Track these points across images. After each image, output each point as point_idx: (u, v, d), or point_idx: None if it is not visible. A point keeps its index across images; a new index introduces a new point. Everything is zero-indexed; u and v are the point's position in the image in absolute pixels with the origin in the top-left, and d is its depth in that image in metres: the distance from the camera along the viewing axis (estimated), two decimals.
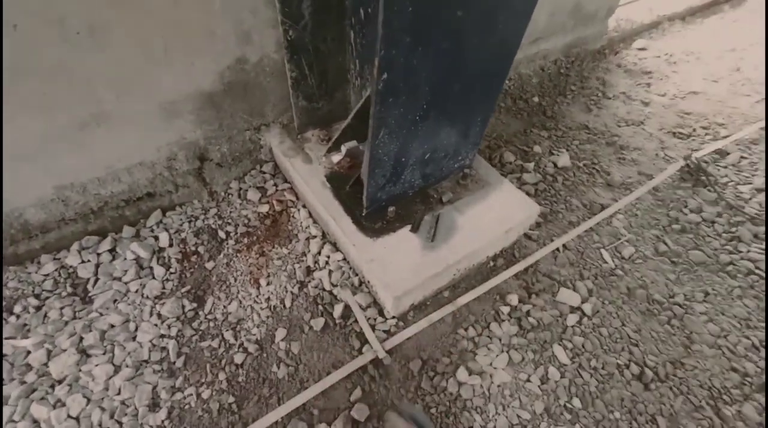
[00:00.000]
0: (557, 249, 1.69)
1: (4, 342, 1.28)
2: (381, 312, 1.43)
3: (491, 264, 1.61)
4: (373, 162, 1.17)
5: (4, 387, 1.20)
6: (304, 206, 1.69)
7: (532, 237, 1.72)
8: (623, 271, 1.64)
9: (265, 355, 1.33)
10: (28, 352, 1.28)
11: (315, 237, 1.62)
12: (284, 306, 1.44)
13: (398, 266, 1.31)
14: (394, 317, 1.42)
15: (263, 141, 1.73)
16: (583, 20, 2.54)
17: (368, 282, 1.41)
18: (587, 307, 1.51)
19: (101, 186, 1.47)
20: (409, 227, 1.40)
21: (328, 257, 1.55)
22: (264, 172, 1.81)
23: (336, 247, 1.55)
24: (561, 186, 1.94)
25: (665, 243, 1.74)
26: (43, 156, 1.29)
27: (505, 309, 1.47)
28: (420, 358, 1.34)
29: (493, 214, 1.47)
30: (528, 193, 1.89)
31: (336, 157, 1.57)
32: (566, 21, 2.46)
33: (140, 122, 1.39)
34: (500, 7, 0.98)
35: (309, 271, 1.53)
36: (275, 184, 1.78)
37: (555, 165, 2.04)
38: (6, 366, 1.24)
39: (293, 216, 1.70)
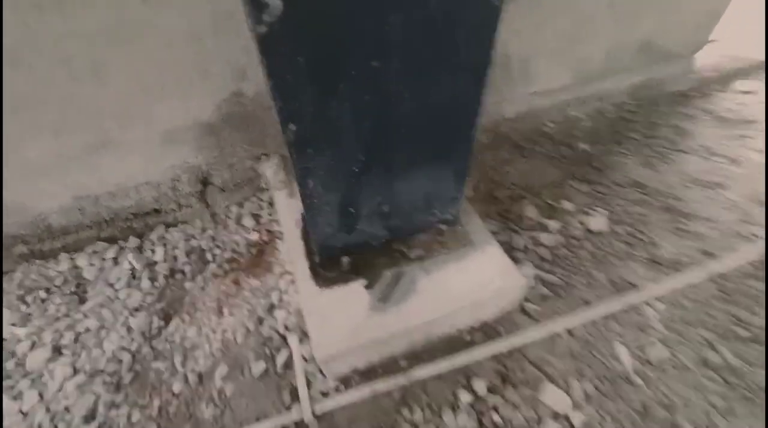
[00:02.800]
0: (558, 333, 1.39)
1: (8, 327, 1.48)
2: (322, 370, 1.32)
3: (467, 337, 1.39)
4: (311, 210, 1.10)
5: None
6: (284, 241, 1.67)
7: (530, 313, 1.45)
8: (643, 380, 1.28)
9: (201, 390, 1.32)
10: (20, 340, 1.45)
11: (290, 273, 1.58)
12: (236, 341, 1.42)
13: (337, 324, 1.20)
14: (333, 378, 1.29)
15: (261, 170, 1.78)
16: (656, 58, 2.15)
17: (308, 334, 1.32)
18: (577, 418, 1.20)
19: (112, 200, 1.64)
20: (365, 281, 1.28)
21: (291, 297, 1.49)
22: (262, 200, 1.85)
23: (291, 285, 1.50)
24: (587, 254, 1.62)
25: (719, 353, 1.32)
26: (61, 171, 1.48)
27: (467, 398, 1.25)
28: None
29: (464, 281, 1.27)
30: (542, 258, 1.61)
31: None
32: (632, 59, 2.10)
33: (143, 148, 1.53)
34: (438, 59, 0.85)
35: (271, 308, 1.49)
36: (270, 214, 1.81)
37: (586, 227, 1.72)
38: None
39: (278, 249, 1.69)
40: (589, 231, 1.71)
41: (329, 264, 1.32)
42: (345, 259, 1.29)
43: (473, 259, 1.33)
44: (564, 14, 1.73)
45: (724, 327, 1.38)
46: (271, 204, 1.83)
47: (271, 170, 1.73)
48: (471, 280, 1.27)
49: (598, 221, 1.71)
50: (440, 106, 0.95)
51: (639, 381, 1.28)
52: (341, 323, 1.20)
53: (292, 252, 1.42)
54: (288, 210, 1.56)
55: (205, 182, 1.75)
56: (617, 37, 1.93)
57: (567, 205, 1.80)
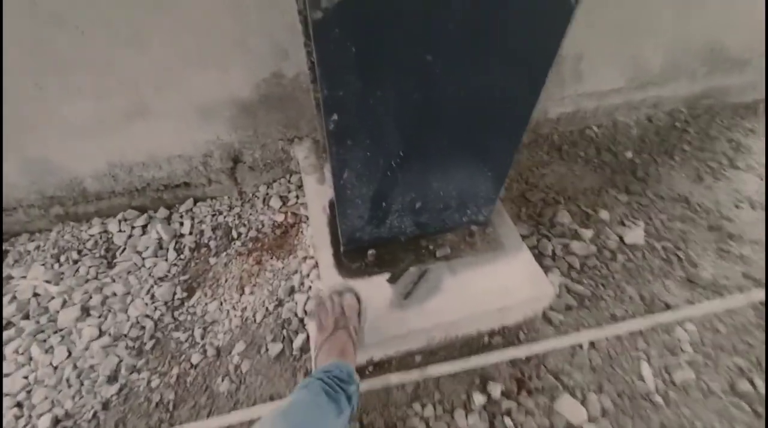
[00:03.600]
0: (580, 344, 1.35)
1: (43, 283, 1.54)
2: None
3: (486, 339, 1.36)
4: (343, 202, 1.08)
5: (22, 321, 1.43)
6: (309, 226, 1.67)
7: (553, 321, 1.41)
8: (665, 401, 1.23)
9: (218, 364, 1.34)
10: (53, 297, 1.51)
11: (312, 258, 1.58)
12: (255, 320, 1.44)
13: None
14: None
15: (293, 153, 1.76)
16: (722, 66, 2.00)
17: None
18: None
19: (144, 169, 1.66)
20: (388, 275, 1.27)
21: (313, 282, 1.50)
22: (291, 183, 1.84)
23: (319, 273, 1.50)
24: (619, 267, 1.56)
25: (751, 383, 1.26)
26: (98, 135, 1.50)
27: (480, 399, 1.23)
28: (359, 422, 1.20)
29: (491, 285, 1.24)
30: (570, 267, 1.56)
31: None
32: (695, 65, 1.96)
33: (178, 119, 1.53)
34: (496, 55, 0.80)
35: (291, 291, 1.50)
36: (297, 197, 1.80)
37: (621, 239, 1.64)
38: (33, 303, 1.49)
39: (302, 232, 1.69)
40: (624, 243, 1.63)
41: (354, 256, 1.30)
42: (371, 252, 1.27)
43: (502, 264, 1.29)
44: (626, 9, 1.61)
45: (759, 356, 1.31)
46: (299, 187, 1.82)
47: (302, 153, 1.71)
48: (498, 286, 1.24)
49: (634, 234, 1.64)
50: (492, 104, 0.90)
51: (660, 401, 1.23)
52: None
53: (317, 238, 1.41)
54: (316, 195, 1.54)
55: (236, 160, 1.75)
56: (681, 38, 1.80)
57: (603, 215, 1.73)
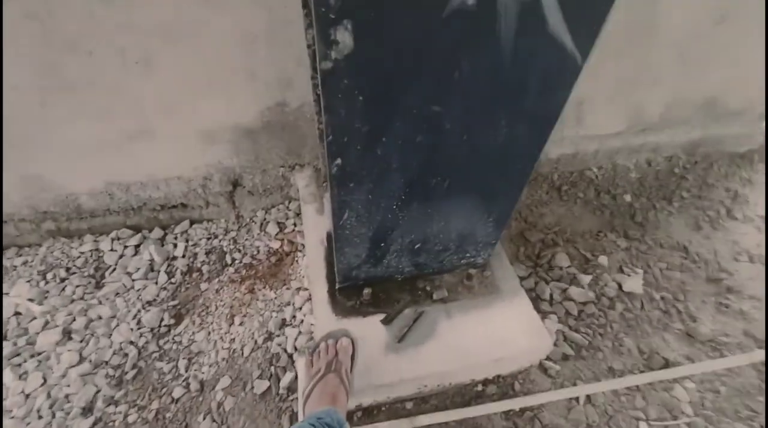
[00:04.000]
0: (576, 398, 1.31)
1: (26, 302, 1.49)
2: None
3: (479, 388, 1.32)
4: (341, 241, 1.06)
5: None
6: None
7: (549, 372, 1.37)
8: None
9: (200, 399, 1.29)
10: (34, 318, 1.46)
11: (306, 290, 1.54)
12: (242, 353, 1.39)
13: None
14: None
15: (293, 180, 1.75)
16: (719, 115, 2.03)
17: None
18: None
19: (142, 189, 1.64)
20: (382, 316, 1.23)
21: (305, 316, 1.46)
22: (289, 209, 1.82)
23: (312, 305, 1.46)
24: (617, 316, 1.53)
25: None
26: (98, 155, 1.48)
27: None
28: None
29: (488, 333, 1.21)
30: (568, 313, 1.53)
31: None
32: (693, 113, 1.99)
33: (181, 142, 1.52)
34: (501, 108, 0.80)
35: (282, 325, 1.46)
36: (294, 224, 1.78)
37: (620, 286, 1.62)
38: (13, 323, 1.43)
39: (297, 262, 1.66)
40: (622, 291, 1.61)
41: (349, 293, 1.27)
42: (366, 291, 1.24)
43: (499, 310, 1.26)
44: (628, 59, 1.64)
45: (762, 423, 1.27)
46: (297, 214, 1.80)
47: (303, 181, 1.70)
48: (495, 334, 1.20)
49: (633, 282, 1.62)
50: (496, 152, 0.89)
51: None
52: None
53: (312, 271, 1.39)
54: (314, 226, 1.52)
55: (235, 184, 1.73)
56: (681, 88, 1.83)
57: (602, 260, 1.71)
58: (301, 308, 1.49)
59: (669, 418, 1.27)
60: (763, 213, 1.92)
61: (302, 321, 1.45)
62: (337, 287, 1.27)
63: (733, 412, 1.28)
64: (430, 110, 0.76)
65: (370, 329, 1.20)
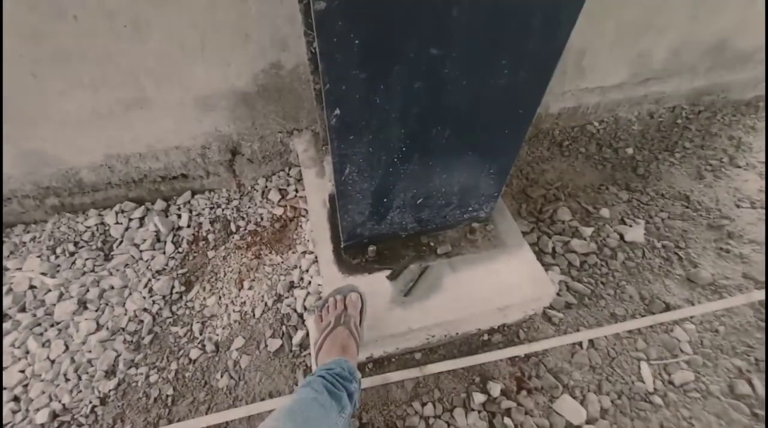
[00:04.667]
0: (579, 343, 1.35)
1: (39, 276, 1.52)
2: None
3: (485, 337, 1.36)
4: (344, 198, 1.06)
5: (18, 314, 1.42)
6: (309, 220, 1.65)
7: (553, 320, 1.41)
8: (664, 401, 1.24)
9: (216, 359, 1.34)
10: (49, 290, 1.49)
11: (311, 253, 1.57)
12: (254, 315, 1.43)
13: None
14: None
15: (292, 145, 1.74)
16: (727, 63, 1.98)
17: None
18: None
19: (141, 161, 1.63)
20: (388, 272, 1.26)
21: (312, 278, 1.49)
22: (290, 176, 1.82)
23: (319, 268, 1.48)
24: (619, 265, 1.55)
25: (751, 385, 1.26)
26: (95, 127, 1.47)
27: (480, 398, 1.23)
28: (359, 419, 1.20)
29: (492, 283, 1.23)
30: (570, 264, 1.55)
31: None
32: (698, 61, 1.94)
33: (177, 111, 1.50)
34: (502, 49, 0.78)
35: (291, 287, 1.49)
36: (296, 190, 1.78)
37: (621, 237, 1.64)
38: (29, 296, 1.47)
39: (301, 227, 1.68)
40: (624, 241, 1.63)
41: (354, 251, 1.29)
42: (371, 248, 1.26)
43: (503, 262, 1.28)
44: (636, 6, 1.58)
45: (758, 357, 1.31)
46: (298, 180, 1.80)
47: (302, 146, 1.69)
48: (499, 284, 1.23)
49: (635, 232, 1.63)
50: (497, 98, 0.88)
51: (659, 401, 1.24)
52: None
53: (316, 233, 1.40)
54: (316, 190, 1.53)
55: (234, 152, 1.72)
56: (689, 32, 1.77)
57: (604, 212, 1.72)
58: (307, 270, 1.52)
59: (669, 357, 1.32)
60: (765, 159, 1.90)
61: (310, 283, 1.48)
62: (342, 246, 1.29)
63: (731, 348, 1.33)
64: (428, 53, 0.74)
65: (376, 285, 1.23)
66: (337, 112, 0.81)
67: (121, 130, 1.51)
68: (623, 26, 1.68)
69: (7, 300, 1.44)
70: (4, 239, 1.64)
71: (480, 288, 1.23)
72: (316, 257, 1.54)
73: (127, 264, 1.58)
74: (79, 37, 1.23)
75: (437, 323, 1.19)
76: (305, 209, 1.71)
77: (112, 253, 1.62)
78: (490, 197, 1.24)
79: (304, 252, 1.58)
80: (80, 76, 1.32)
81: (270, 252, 1.60)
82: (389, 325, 1.17)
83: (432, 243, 1.31)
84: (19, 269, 1.54)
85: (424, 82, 0.80)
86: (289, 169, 1.83)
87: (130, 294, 1.48)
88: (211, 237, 1.66)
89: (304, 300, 1.43)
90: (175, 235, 1.66)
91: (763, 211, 1.69)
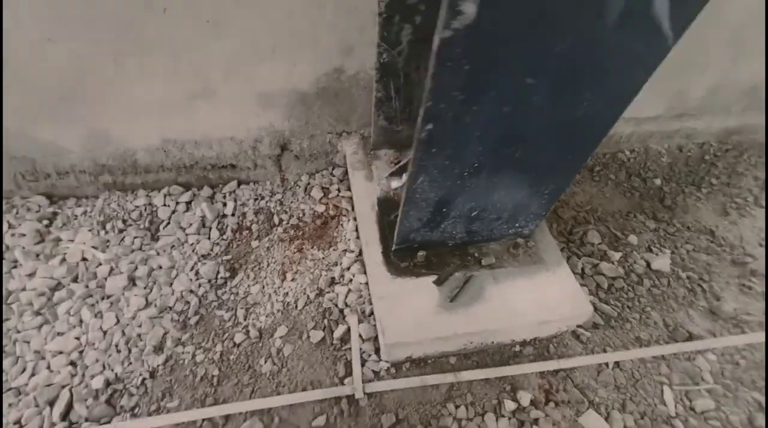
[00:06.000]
0: (606, 363, 1.42)
1: (90, 249, 1.58)
2: (378, 351, 1.38)
3: (516, 348, 1.42)
4: (409, 204, 1.13)
5: (72, 284, 1.47)
6: (354, 219, 1.71)
7: (581, 338, 1.47)
8: (685, 427, 1.30)
9: (260, 345, 1.40)
10: (100, 264, 1.55)
11: (352, 252, 1.63)
12: (296, 306, 1.49)
13: (405, 314, 1.25)
14: (386, 361, 1.35)
15: (340, 147, 1.80)
16: (759, 104, 2.06)
17: (375, 317, 1.37)
18: None
19: (196, 148, 1.70)
20: (434, 277, 1.32)
21: (353, 276, 1.55)
22: (333, 175, 1.88)
23: (364, 270, 1.54)
24: (645, 291, 1.62)
25: None
26: (159, 113, 1.54)
27: (511, 405, 1.29)
28: (395, 415, 1.26)
29: (534, 298, 1.30)
30: (598, 286, 1.62)
31: (395, 183, 1.56)
32: (734, 102, 2.02)
33: (239, 104, 1.57)
34: (588, 83, 0.85)
35: (332, 282, 1.55)
36: (338, 190, 1.85)
37: (648, 264, 1.70)
38: (82, 267, 1.53)
39: (342, 225, 1.74)
40: (650, 268, 1.70)
41: (403, 255, 1.35)
42: (421, 253, 1.32)
43: (544, 278, 1.34)
44: (680, 44, 1.66)
45: None
46: (341, 180, 1.87)
47: (350, 148, 1.76)
48: (540, 299, 1.29)
49: (661, 261, 1.70)
50: (571, 126, 0.95)
51: (681, 426, 1.30)
52: (410, 314, 1.25)
53: (364, 234, 1.46)
54: (364, 192, 1.59)
55: (284, 147, 1.79)
56: (728, 74, 1.85)
57: (632, 239, 1.79)
58: (349, 268, 1.58)
59: (691, 384, 1.38)
60: None
61: (350, 280, 1.55)
62: (392, 249, 1.35)
63: (751, 382, 1.39)
64: (524, 82, 0.81)
65: (424, 289, 1.29)
66: (430, 126, 0.87)
67: (183, 117, 1.57)
68: (667, 62, 1.75)
69: (61, 270, 1.49)
70: (57, 210, 1.69)
71: (521, 302, 1.29)
72: (357, 256, 1.60)
73: (173, 246, 1.64)
74: (164, 29, 1.30)
75: (479, 330, 1.25)
76: (347, 209, 1.77)
77: (158, 234, 1.68)
78: (538, 215, 1.31)
79: (345, 251, 1.64)
80: (156, 65, 1.39)
81: (312, 248, 1.66)
82: (434, 328, 1.23)
83: (477, 254, 1.38)
84: (72, 240, 1.60)
85: (512, 107, 0.87)
86: (333, 169, 1.89)
87: (177, 275, 1.54)
88: (254, 227, 1.72)
89: (346, 296, 1.49)
90: (220, 222, 1.72)
91: None
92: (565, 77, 0.82)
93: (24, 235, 1.58)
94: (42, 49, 1.26)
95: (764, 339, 1.48)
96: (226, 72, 1.45)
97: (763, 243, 1.80)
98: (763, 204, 1.97)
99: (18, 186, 1.66)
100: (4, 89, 1.35)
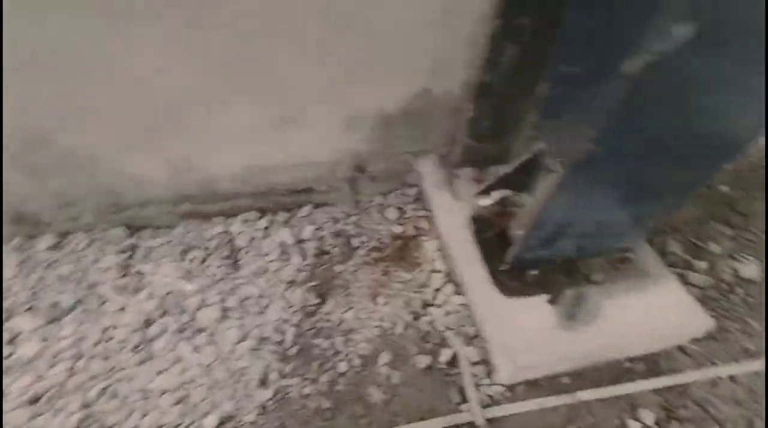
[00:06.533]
0: (720, 377, 1.38)
1: (176, 280, 1.54)
2: (489, 374, 1.34)
3: (627, 364, 1.39)
4: (535, 224, 1.11)
5: (162, 318, 1.44)
6: (436, 238, 1.69)
7: (687, 351, 1.44)
8: None
9: (366, 373, 1.36)
10: (187, 297, 1.51)
11: (439, 272, 1.60)
12: (394, 331, 1.45)
13: (521, 335, 1.22)
14: (501, 384, 1.31)
15: (417, 166, 1.79)
16: None
17: (486, 339, 1.34)
18: None
19: (275, 173, 1.68)
20: (546, 296, 1.29)
21: (448, 297, 1.52)
22: (407, 195, 1.87)
23: (459, 290, 1.51)
24: (740, 300, 1.60)
25: None
26: (243, 140, 1.52)
27: (635, 425, 1.25)
28: None
29: (648, 312, 1.27)
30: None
31: (486, 201, 1.54)
32: None
33: (324, 128, 1.56)
34: (743, 103, 0.84)
35: (425, 305, 1.52)
36: (414, 210, 1.83)
37: (736, 273, 1.68)
38: (170, 300, 1.49)
39: (422, 246, 1.71)
40: (739, 277, 1.67)
41: (511, 274, 1.33)
42: (532, 272, 1.30)
43: (654, 293, 1.32)
44: None
45: None
46: (416, 199, 1.85)
47: (428, 168, 1.75)
48: (654, 314, 1.27)
49: (749, 269, 1.68)
50: (716, 142, 0.94)
51: None
52: (526, 334, 1.22)
53: (458, 253, 1.44)
54: (448, 210, 1.58)
55: (360, 169, 1.78)
56: None
57: (714, 247, 1.77)
58: (440, 289, 1.55)
59: None
60: None
61: (445, 302, 1.51)
62: (500, 268, 1.32)
63: None
64: (690, 104, 0.81)
65: (538, 308, 1.27)
66: (595, 148, 0.86)
67: (267, 143, 1.57)
68: None
69: (151, 305, 1.46)
70: (136, 242, 1.67)
71: (636, 316, 1.27)
72: (446, 276, 1.57)
73: (257, 274, 1.60)
74: (261, 53, 1.30)
75: (597, 348, 1.22)
76: (426, 228, 1.75)
77: (239, 262, 1.65)
78: (645, 231, 1.29)
79: (432, 271, 1.61)
80: (248, 92, 1.39)
81: (397, 270, 1.64)
82: (553, 348, 1.20)
83: (585, 271, 1.35)
84: (154, 273, 1.57)
85: (670, 127, 0.86)
86: (407, 188, 1.88)
87: (268, 304, 1.51)
88: (335, 250, 1.69)
89: (444, 318, 1.46)
90: (300, 248, 1.70)
91: None
92: (738, 97, 0.81)
93: (109, 270, 1.55)
94: (150, 80, 1.26)
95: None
96: (318, 97, 1.45)
97: None
98: None
99: (100, 219, 1.63)
100: (104, 122, 1.34)
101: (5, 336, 1.35)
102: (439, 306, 1.51)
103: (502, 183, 1.49)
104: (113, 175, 1.50)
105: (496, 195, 1.50)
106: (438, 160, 1.77)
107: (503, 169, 1.47)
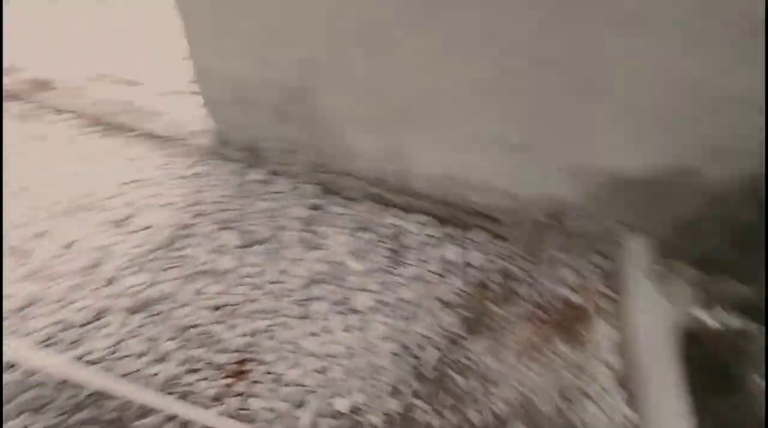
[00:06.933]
0: None
1: (346, 254, 1.62)
2: None
3: None
4: None
5: (326, 284, 1.52)
6: (617, 328, 1.46)
7: None
8: None
9: None
10: (351, 274, 1.58)
11: (610, 368, 1.38)
12: (536, 406, 1.30)
13: None
14: None
15: (623, 240, 1.57)
16: None
17: None
18: None
19: (469, 190, 1.64)
20: None
21: (615, 404, 1.30)
22: (595, 265, 1.65)
23: (632, 402, 1.28)
24: None
25: None
26: (457, 149, 1.52)
27: None
28: None
29: None
30: None
31: (713, 320, 1.27)
32: None
33: (544, 166, 1.46)
34: None
35: (582, 394, 1.33)
36: (598, 284, 1.61)
37: None
38: (337, 270, 1.57)
39: (594, 326, 1.50)
40: None
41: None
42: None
43: None
44: None
45: None
46: (606, 275, 1.62)
47: (637, 247, 1.51)
48: None
49: None
50: None
51: None
52: None
53: (649, 364, 1.21)
54: (649, 307, 1.34)
55: (556, 218, 1.63)
56: None
57: None
58: (606, 389, 1.34)
59: None
60: None
61: (611, 406, 1.30)
62: (712, 408, 1.07)
63: None
64: None
65: None
66: None
67: (484, 160, 1.53)
68: None
69: (320, 266, 1.56)
70: (322, 203, 1.79)
71: None
72: (616, 375, 1.35)
73: (414, 278, 1.59)
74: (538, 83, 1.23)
75: None
76: (601, 307, 1.53)
77: (401, 259, 1.66)
78: None
79: (597, 358, 1.40)
80: (502, 106, 1.34)
81: (558, 338, 1.47)
82: None
83: None
84: (329, 238, 1.67)
85: None
86: (599, 258, 1.66)
87: (418, 315, 1.49)
88: (497, 289, 1.59)
89: (597, 419, 1.26)
90: (463, 270, 1.64)
91: None
92: None
93: (297, 219, 1.70)
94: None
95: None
96: (560, 134, 1.34)
97: None
98: None
99: (306, 172, 1.80)
100: (357, 95, 1.45)
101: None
102: (596, 403, 1.31)
103: (739, 305, 1.20)
104: (335, 139, 1.63)
105: (727, 317, 1.21)
106: (652, 244, 1.51)
107: (743, 290, 1.18)
